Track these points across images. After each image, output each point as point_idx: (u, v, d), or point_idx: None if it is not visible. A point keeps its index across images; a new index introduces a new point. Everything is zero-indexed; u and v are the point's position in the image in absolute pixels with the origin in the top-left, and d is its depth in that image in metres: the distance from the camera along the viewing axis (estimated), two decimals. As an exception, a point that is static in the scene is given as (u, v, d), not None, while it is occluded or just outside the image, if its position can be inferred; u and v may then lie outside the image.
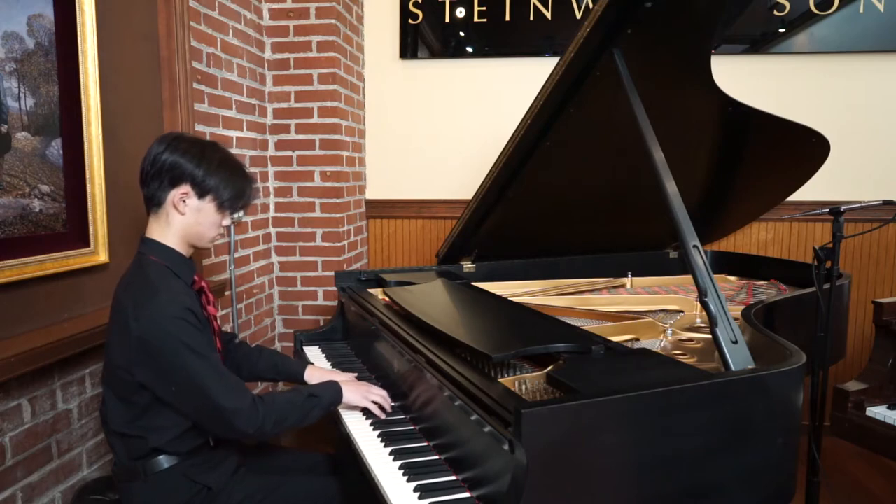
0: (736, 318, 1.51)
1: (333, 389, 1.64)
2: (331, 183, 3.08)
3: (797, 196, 2.73)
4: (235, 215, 1.60)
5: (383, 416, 1.65)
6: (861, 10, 3.06)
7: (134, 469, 1.49)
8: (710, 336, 1.45)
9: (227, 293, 2.57)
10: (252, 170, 1.58)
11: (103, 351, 1.89)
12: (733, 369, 1.36)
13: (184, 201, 1.49)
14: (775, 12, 3.14)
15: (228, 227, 1.64)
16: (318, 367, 1.96)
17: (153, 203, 1.51)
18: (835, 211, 1.96)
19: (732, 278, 2.78)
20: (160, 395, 1.44)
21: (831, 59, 3.15)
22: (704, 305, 1.46)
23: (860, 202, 2.09)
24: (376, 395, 1.68)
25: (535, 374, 1.46)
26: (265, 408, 1.47)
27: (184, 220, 1.51)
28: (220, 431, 1.49)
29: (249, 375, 1.88)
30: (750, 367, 1.38)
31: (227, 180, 1.52)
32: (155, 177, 1.48)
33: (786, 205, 2.92)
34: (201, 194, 1.50)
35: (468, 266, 2.62)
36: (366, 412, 1.70)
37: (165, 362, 1.40)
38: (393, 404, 1.75)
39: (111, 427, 1.51)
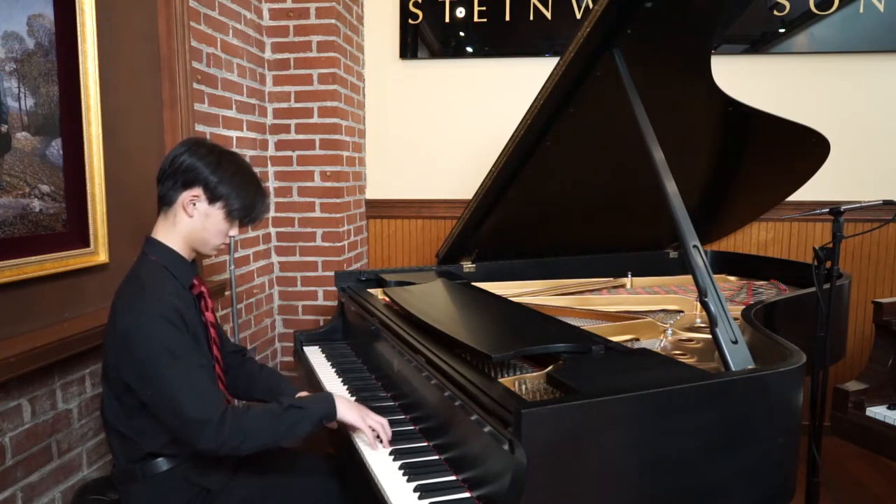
0: (736, 318, 1.51)
1: (326, 401, 1.49)
2: (331, 183, 3.08)
3: (797, 196, 2.73)
4: (233, 232, 1.57)
5: (378, 447, 1.47)
6: (861, 10, 3.06)
7: (133, 471, 1.49)
8: (710, 336, 1.45)
9: (227, 293, 2.57)
10: (261, 180, 1.54)
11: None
12: (733, 369, 1.36)
13: (193, 204, 1.49)
14: (775, 12, 3.14)
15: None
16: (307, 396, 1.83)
17: (164, 202, 1.52)
18: (835, 211, 1.96)
19: (732, 278, 2.78)
20: (142, 398, 1.41)
21: (831, 59, 3.15)
22: (704, 305, 1.46)
23: (860, 202, 2.09)
24: (374, 422, 1.50)
25: (535, 374, 1.46)
26: (234, 422, 1.36)
27: (190, 223, 1.51)
28: (187, 443, 1.40)
29: (245, 394, 1.82)
30: (750, 367, 1.38)
31: (240, 190, 1.52)
32: (170, 176, 1.49)
33: (786, 205, 2.92)
34: (212, 200, 1.50)
35: (468, 266, 2.62)
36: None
37: (143, 363, 1.38)
38: (393, 404, 1.75)
39: (110, 425, 1.51)
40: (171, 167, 1.49)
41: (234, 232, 1.57)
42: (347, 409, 1.51)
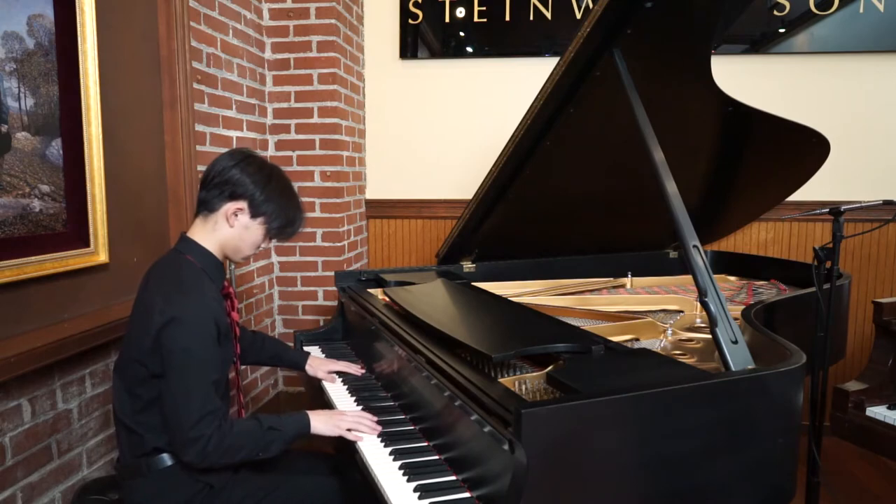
0: (736, 318, 1.51)
1: (300, 422, 1.55)
2: (331, 183, 3.08)
3: (797, 196, 2.73)
4: (264, 244, 1.62)
5: (360, 439, 1.53)
6: (861, 10, 3.06)
7: (137, 466, 1.51)
8: (710, 336, 1.45)
9: (227, 293, 2.57)
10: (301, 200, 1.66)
11: (104, 351, 1.91)
12: (733, 369, 1.36)
13: (236, 216, 1.54)
14: (775, 12, 3.14)
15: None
16: (319, 358, 2.04)
17: (206, 208, 1.56)
18: (835, 211, 1.96)
19: (732, 278, 2.78)
20: (161, 389, 1.46)
21: (831, 59, 3.15)
22: (704, 305, 1.46)
23: (860, 202, 2.09)
24: (350, 422, 1.56)
25: (535, 374, 1.46)
26: (219, 440, 1.41)
27: (229, 233, 1.56)
28: (174, 449, 1.47)
29: (254, 360, 1.98)
30: (750, 367, 1.38)
31: (282, 210, 1.58)
32: (217, 185, 1.53)
33: (786, 205, 2.92)
34: (254, 215, 1.55)
35: (468, 266, 2.62)
36: (367, 410, 1.70)
37: (168, 359, 1.41)
38: (393, 404, 1.75)
39: (118, 416, 1.53)
40: (220, 176, 1.53)
41: (265, 244, 1.62)
42: (322, 423, 1.57)
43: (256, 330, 2.15)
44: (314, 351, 2.28)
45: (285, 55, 3.01)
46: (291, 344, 2.44)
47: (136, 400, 1.49)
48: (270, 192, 1.55)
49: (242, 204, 1.53)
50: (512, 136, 2.09)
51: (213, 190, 1.54)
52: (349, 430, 1.56)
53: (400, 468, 1.38)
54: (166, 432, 1.48)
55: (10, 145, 1.59)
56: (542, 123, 2.03)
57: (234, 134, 2.73)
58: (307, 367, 2.01)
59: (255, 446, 1.48)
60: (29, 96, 1.64)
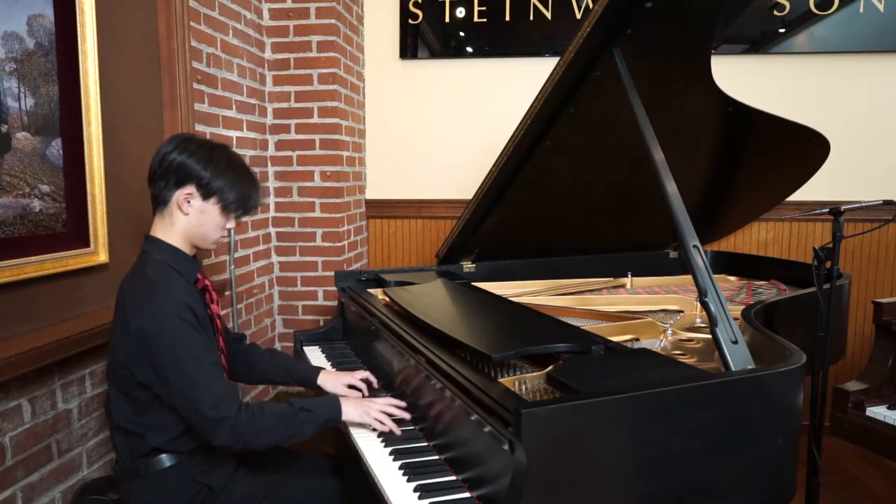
0: (736, 318, 1.51)
1: (332, 405, 1.56)
2: (331, 183, 3.08)
3: (797, 196, 2.73)
4: (230, 225, 1.58)
5: (398, 432, 1.54)
6: (861, 10, 3.06)
7: (135, 468, 1.50)
8: (710, 336, 1.45)
9: (227, 293, 2.57)
10: (252, 170, 1.57)
11: (103, 351, 1.90)
12: (733, 369, 1.36)
13: (188, 202, 1.50)
14: (775, 12, 3.14)
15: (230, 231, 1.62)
16: (332, 372, 1.87)
17: (159, 202, 1.53)
18: (835, 211, 1.96)
19: (732, 278, 2.78)
20: (158, 393, 1.45)
21: (831, 59, 3.15)
22: (704, 305, 1.46)
23: (860, 202, 2.09)
24: (379, 408, 1.58)
25: (535, 374, 1.46)
26: (250, 419, 1.42)
27: (187, 221, 1.52)
28: (203, 437, 1.44)
29: (261, 378, 1.88)
30: (750, 367, 1.38)
31: (233, 184, 1.53)
32: (161, 176, 1.50)
33: (786, 205, 2.92)
34: (206, 196, 1.51)
35: (468, 266, 2.62)
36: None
37: (159, 360, 1.40)
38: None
39: (115, 422, 1.52)
40: (161, 167, 1.50)
41: (230, 224, 1.58)
42: (352, 409, 1.57)
43: (259, 343, 2.12)
44: (314, 351, 2.28)
45: (285, 55, 3.01)
46: (291, 344, 2.43)
47: (135, 402, 1.48)
48: (216, 169, 1.50)
49: (191, 188, 1.49)
50: (512, 136, 2.09)
51: (160, 182, 1.50)
52: (378, 419, 1.55)
53: (400, 468, 1.38)
54: (178, 428, 1.47)
55: (10, 145, 1.59)
56: (543, 123, 2.03)
57: (234, 134, 2.73)
58: (319, 382, 1.82)
59: (287, 427, 1.47)
60: (29, 96, 1.64)
